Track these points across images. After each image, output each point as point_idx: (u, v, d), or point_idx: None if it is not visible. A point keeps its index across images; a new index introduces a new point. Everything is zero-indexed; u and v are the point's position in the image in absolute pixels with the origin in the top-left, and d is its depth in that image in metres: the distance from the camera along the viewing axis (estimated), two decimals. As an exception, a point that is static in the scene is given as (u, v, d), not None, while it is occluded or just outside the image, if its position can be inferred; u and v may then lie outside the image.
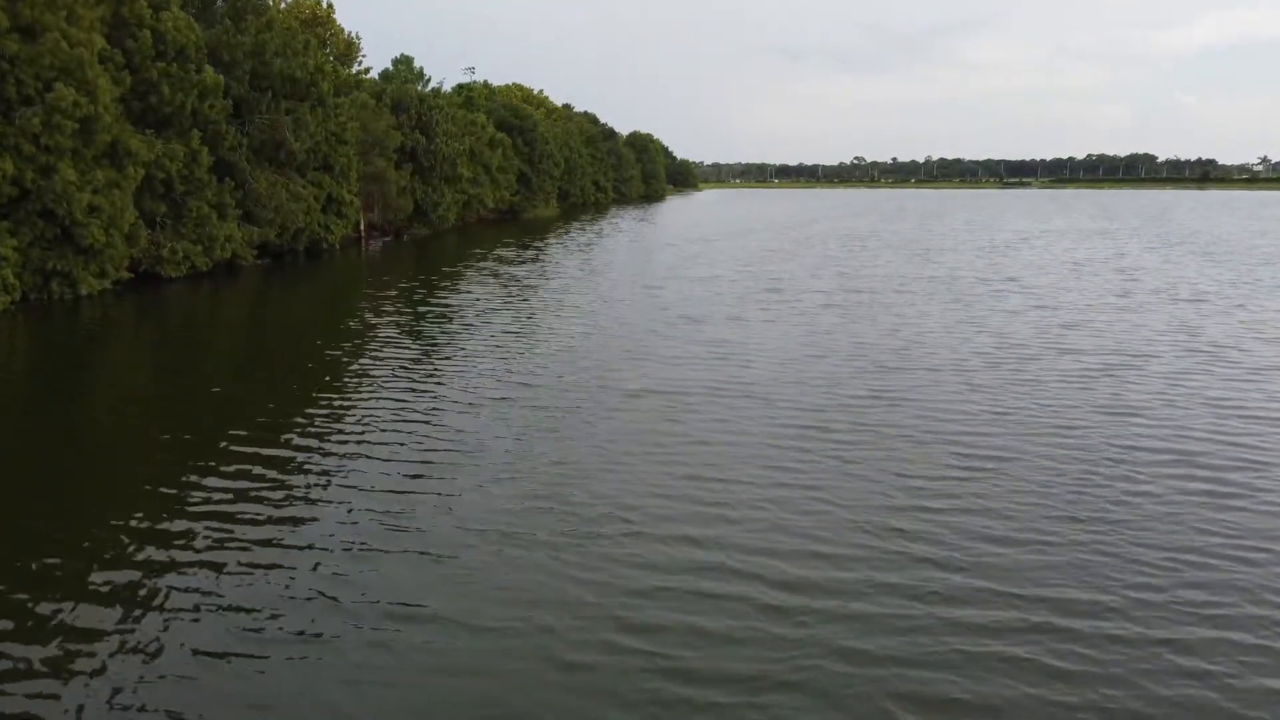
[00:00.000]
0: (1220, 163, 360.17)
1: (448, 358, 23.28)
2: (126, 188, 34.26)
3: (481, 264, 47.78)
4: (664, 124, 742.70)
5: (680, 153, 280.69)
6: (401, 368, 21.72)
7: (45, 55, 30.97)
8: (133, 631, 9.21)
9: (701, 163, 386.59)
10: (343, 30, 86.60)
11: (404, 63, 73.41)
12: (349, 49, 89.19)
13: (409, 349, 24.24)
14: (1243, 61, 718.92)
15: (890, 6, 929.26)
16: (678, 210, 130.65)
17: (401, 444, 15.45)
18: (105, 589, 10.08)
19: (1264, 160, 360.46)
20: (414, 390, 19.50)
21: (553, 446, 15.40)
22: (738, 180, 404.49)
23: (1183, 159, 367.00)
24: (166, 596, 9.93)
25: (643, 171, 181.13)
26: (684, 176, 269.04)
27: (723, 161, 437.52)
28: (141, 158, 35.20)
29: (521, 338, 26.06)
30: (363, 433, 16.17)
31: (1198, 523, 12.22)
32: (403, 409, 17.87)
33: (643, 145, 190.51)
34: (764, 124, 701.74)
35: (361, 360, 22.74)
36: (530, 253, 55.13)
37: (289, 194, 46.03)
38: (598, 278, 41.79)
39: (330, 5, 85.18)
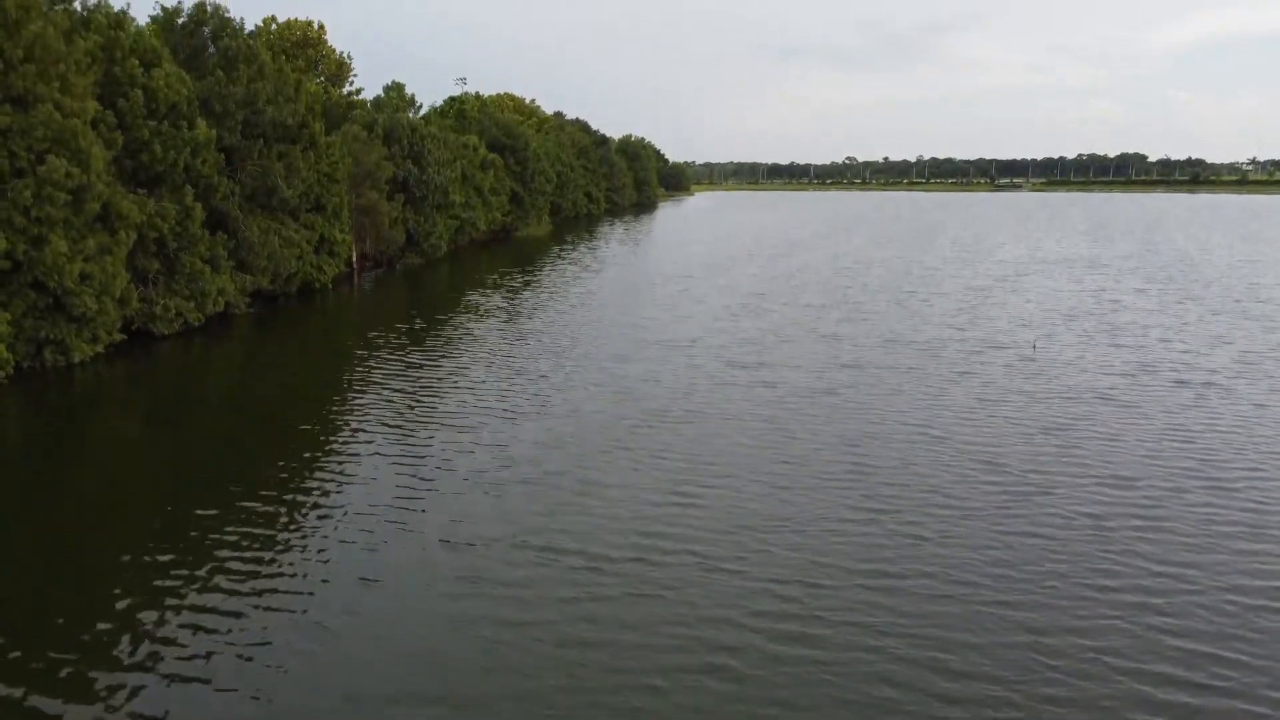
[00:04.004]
0: (1210, 162, 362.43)
1: (430, 392, 24.84)
2: (118, 252, 34.21)
3: (469, 299, 48.17)
4: (657, 122, 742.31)
5: (673, 152, 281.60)
6: (385, 409, 23.72)
7: (38, 126, 30.90)
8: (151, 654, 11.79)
9: (694, 162, 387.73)
10: (334, 51, 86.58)
11: (395, 89, 73.37)
12: (340, 69, 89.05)
13: (390, 391, 25.80)
14: (1233, 59, 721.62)
15: (885, 4, 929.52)
16: (666, 220, 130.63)
17: (381, 476, 17.72)
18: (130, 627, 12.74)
19: (1253, 161, 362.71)
20: (391, 426, 21.25)
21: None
22: (729, 181, 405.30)
23: (1173, 159, 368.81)
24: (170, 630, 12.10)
25: (635, 179, 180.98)
26: (677, 179, 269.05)
27: (715, 161, 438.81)
28: (133, 220, 35.15)
29: (487, 394, 26.28)
30: (343, 467, 18.77)
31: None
32: (383, 445, 20.12)
33: (635, 152, 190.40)
34: (756, 123, 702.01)
35: (346, 406, 24.98)
36: (514, 287, 55.29)
37: (281, 240, 46.02)
38: (577, 310, 41.97)
39: (321, 26, 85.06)
